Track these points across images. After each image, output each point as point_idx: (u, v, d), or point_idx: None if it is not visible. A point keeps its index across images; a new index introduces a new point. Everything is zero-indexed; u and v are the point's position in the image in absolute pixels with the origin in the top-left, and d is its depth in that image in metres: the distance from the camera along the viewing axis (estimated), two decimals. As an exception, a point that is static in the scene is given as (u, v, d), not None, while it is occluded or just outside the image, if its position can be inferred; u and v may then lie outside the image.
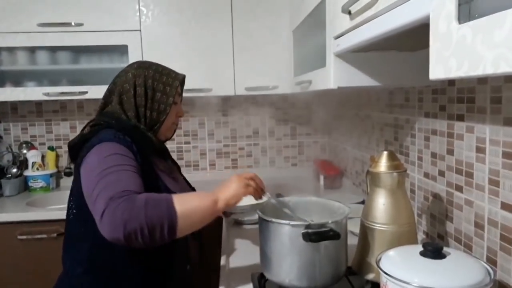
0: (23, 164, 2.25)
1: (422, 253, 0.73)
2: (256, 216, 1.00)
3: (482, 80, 0.93)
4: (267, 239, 0.95)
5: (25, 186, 2.22)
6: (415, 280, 0.66)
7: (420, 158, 1.26)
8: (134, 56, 1.94)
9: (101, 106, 1.12)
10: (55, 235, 1.77)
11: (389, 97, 1.50)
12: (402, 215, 0.95)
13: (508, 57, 0.41)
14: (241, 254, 1.26)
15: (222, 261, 1.20)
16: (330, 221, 0.90)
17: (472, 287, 0.64)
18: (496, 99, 0.89)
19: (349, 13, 0.91)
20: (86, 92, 1.98)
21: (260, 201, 1.02)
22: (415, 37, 0.82)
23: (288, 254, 0.91)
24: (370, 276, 0.96)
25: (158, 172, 1.07)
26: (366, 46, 0.96)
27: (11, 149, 2.26)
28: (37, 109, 2.34)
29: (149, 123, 1.10)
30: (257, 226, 1.02)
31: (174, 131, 1.21)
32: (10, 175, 2.16)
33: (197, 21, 2.01)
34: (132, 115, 1.07)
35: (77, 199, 1.00)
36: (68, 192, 1.06)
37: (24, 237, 1.79)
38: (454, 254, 0.73)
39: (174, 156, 2.35)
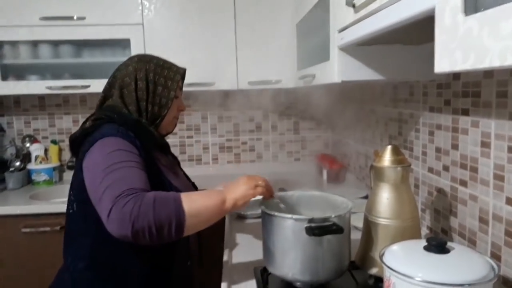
0: (26, 157, 2.26)
1: (426, 248, 0.72)
2: (259, 210, 1.00)
3: (488, 74, 0.93)
4: (270, 233, 0.95)
5: (28, 180, 2.23)
6: (419, 274, 0.66)
7: (424, 153, 1.25)
8: (136, 50, 1.93)
9: (101, 99, 1.11)
10: (58, 228, 1.78)
11: (393, 91, 1.49)
12: (405, 209, 0.94)
13: (515, 50, 0.40)
14: (243, 248, 1.26)
15: (225, 255, 1.20)
16: (333, 215, 0.90)
17: (476, 282, 0.64)
18: (502, 93, 0.88)
19: (353, 6, 0.90)
20: (89, 86, 1.98)
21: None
22: (420, 30, 0.81)
23: (291, 248, 0.91)
24: (373, 271, 0.95)
25: (161, 167, 1.07)
26: (371, 40, 0.95)
27: (14, 143, 2.26)
28: (40, 103, 2.34)
29: (150, 117, 1.09)
30: (260, 220, 1.02)
31: (175, 125, 1.20)
32: (13, 169, 2.16)
33: (200, 15, 2.00)
34: (133, 109, 1.07)
35: (78, 194, 0.99)
36: (71, 185, 1.06)
37: (28, 230, 1.81)
38: (458, 249, 0.73)
39: (176, 150, 2.39)
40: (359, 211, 1.15)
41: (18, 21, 1.92)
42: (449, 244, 0.73)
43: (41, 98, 2.33)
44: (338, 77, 1.11)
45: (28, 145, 2.29)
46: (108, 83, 1.11)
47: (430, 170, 1.21)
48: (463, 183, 1.03)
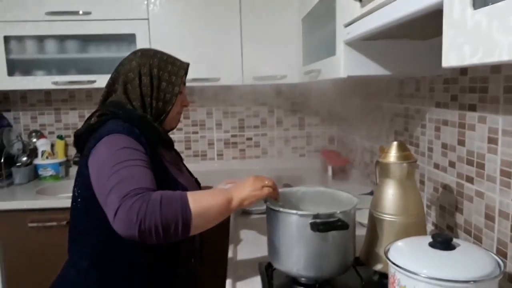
0: (33, 152, 2.28)
1: (431, 244, 0.72)
2: (263, 206, 1.00)
3: (496, 69, 0.92)
4: (275, 229, 0.95)
5: (35, 175, 2.25)
6: (424, 271, 0.65)
7: (430, 149, 1.24)
8: (142, 45, 1.93)
9: (104, 95, 1.09)
10: (64, 223, 1.80)
11: (399, 86, 1.48)
12: (411, 206, 0.94)
13: (525, 44, 0.40)
14: (248, 244, 1.26)
15: (230, 250, 1.21)
16: (338, 211, 0.90)
17: (481, 279, 0.63)
18: (509, 88, 0.87)
19: (360, 0, 0.89)
20: (95, 81, 1.99)
21: None
22: (428, 24, 0.81)
23: (296, 244, 0.91)
24: (378, 267, 0.95)
25: (166, 163, 1.07)
26: (377, 34, 0.94)
27: (21, 138, 2.28)
28: (46, 98, 2.35)
29: (155, 113, 1.08)
30: (264, 215, 1.02)
31: (178, 121, 1.19)
32: (20, 164, 2.18)
33: (205, 10, 1.99)
34: (138, 105, 1.06)
35: (83, 191, 0.99)
36: (78, 180, 1.06)
37: (35, 224, 1.82)
38: (463, 246, 0.73)
39: (182, 146, 2.39)
40: (364, 207, 1.15)
41: (24, 16, 1.93)
42: (455, 240, 0.73)
43: (48, 93, 2.34)
44: (344, 72, 1.11)
45: (34, 140, 2.31)
46: (111, 78, 1.10)
47: (436, 166, 1.20)
48: (469, 180, 1.03)
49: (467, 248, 0.73)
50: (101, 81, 1.95)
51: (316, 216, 0.88)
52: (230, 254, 1.18)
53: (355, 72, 1.10)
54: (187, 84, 1.99)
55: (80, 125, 1.06)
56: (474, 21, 0.48)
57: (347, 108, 2.21)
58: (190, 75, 1.95)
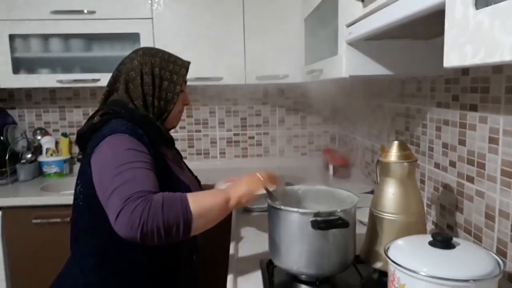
0: (37, 150, 2.29)
1: (431, 243, 0.72)
2: (265, 204, 1.01)
3: (497, 69, 0.92)
4: (276, 226, 0.96)
5: (39, 172, 2.26)
6: (424, 269, 0.65)
7: (431, 149, 1.25)
8: (145, 44, 1.94)
9: (105, 93, 1.10)
10: (68, 219, 1.80)
11: (401, 86, 1.48)
12: (411, 205, 0.94)
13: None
14: (249, 241, 1.27)
15: (231, 248, 1.21)
16: (339, 210, 0.90)
17: (481, 278, 0.63)
18: (511, 88, 0.87)
19: (362, 0, 0.90)
20: (99, 80, 2.00)
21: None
22: (430, 24, 0.81)
23: (297, 242, 0.92)
24: (378, 265, 0.96)
25: (169, 162, 1.07)
26: (379, 34, 0.95)
27: (26, 135, 2.30)
28: (51, 96, 2.37)
29: (157, 112, 1.09)
30: (266, 213, 1.03)
31: (180, 119, 1.20)
32: (24, 161, 2.20)
33: (209, 9, 2.00)
34: (140, 104, 1.06)
35: (85, 189, 0.99)
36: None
37: (39, 221, 1.84)
38: (463, 245, 0.73)
39: (185, 144, 2.41)
40: (365, 206, 1.16)
41: (29, 14, 1.94)
42: (455, 239, 0.73)
43: (52, 91, 2.36)
44: (346, 72, 1.11)
45: (39, 137, 2.32)
46: (112, 77, 1.10)
47: (437, 165, 1.21)
48: (470, 179, 1.03)
49: (467, 247, 0.73)
50: (105, 79, 1.93)
51: (317, 214, 0.89)
52: (231, 251, 1.19)
53: (357, 72, 1.11)
54: (191, 83, 2.01)
55: (84, 123, 1.07)
56: (476, 21, 0.48)
57: (348, 108, 2.22)
58: (193, 74, 1.97)
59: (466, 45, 0.50)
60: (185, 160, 1.29)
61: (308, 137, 2.49)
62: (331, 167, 2.14)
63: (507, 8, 0.43)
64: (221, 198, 0.94)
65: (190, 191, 1.04)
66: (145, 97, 1.07)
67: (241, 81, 2.06)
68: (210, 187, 1.29)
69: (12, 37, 1.98)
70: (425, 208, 1.25)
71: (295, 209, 0.91)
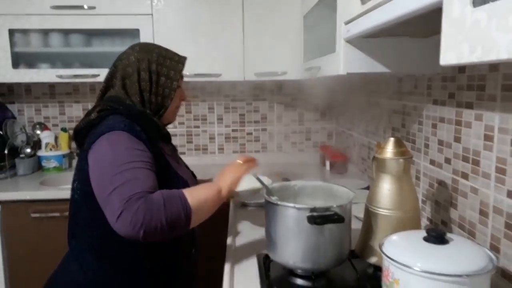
0: (36, 144, 2.30)
1: (426, 239, 0.73)
2: (262, 199, 1.02)
3: (494, 67, 0.92)
4: (273, 221, 0.97)
5: (38, 166, 2.27)
6: (418, 264, 0.66)
7: (426, 145, 1.26)
8: (145, 40, 1.93)
9: (102, 89, 1.10)
10: (67, 213, 1.80)
11: (398, 84, 1.49)
12: (406, 201, 0.95)
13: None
14: (246, 236, 1.28)
15: (228, 242, 1.22)
16: (335, 205, 0.91)
17: (474, 273, 0.64)
18: (507, 86, 0.88)
19: (360, -2, 0.90)
20: (98, 75, 2.00)
21: (259, 186, 1.08)
22: (428, 22, 0.81)
23: (293, 237, 0.93)
24: (373, 260, 0.97)
25: (167, 158, 1.08)
26: (377, 32, 0.95)
27: (25, 130, 2.30)
28: (51, 91, 2.37)
29: (154, 108, 1.09)
30: (263, 208, 1.04)
31: (176, 115, 1.20)
32: (24, 155, 2.20)
33: (208, 6, 2.00)
34: (137, 100, 1.06)
35: (83, 185, 0.99)
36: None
37: (37, 215, 1.84)
38: (457, 240, 0.73)
39: (184, 139, 2.42)
40: (361, 202, 1.16)
41: (29, 9, 1.94)
42: (449, 235, 0.74)
43: (52, 86, 2.36)
44: (343, 69, 1.12)
45: (38, 132, 2.33)
46: (109, 73, 1.10)
47: (432, 162, 1.22)
48: (465, 176, 1.04)
49: (460, 243, 0.73)
50: (105, 75, 1.97)
51: (313, 210, 0.90)
52: (228, 246, 1.20)
53: (354, 70, 1.11)
54: (190, 79, 2.02)
55: (81, 119, 1.07)
56: (473, 19, 0.48)
57: (346, 105, 2.23)
58: (193, 70, 1.98)
59: (463, 43, 0.50)
60: (184, 156, 1.30)
61: (306, 133, 2.50)
62: (328, 163, 2.15)
63: (504, 6, 0.43)
64: (214, 189, 0.98)
65: (188, 185, 1.05)
66: (142, 93, 1.07)
67: (240, 78, 2.07)
68: (207, 181, 1.30)
69: (12, 32, 1.98)
70: (420, 204, 1.27)
71: (292, 205, 0.93)
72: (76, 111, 2.39)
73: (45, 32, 2.04)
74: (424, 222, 1.26)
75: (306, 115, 2.49)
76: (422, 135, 1.29)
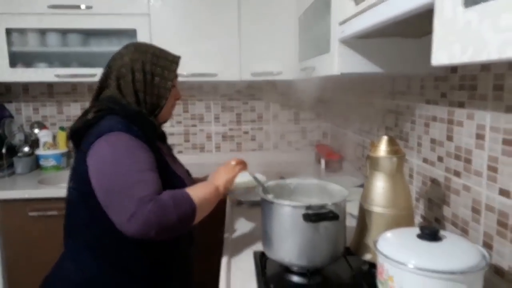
0: (34, 143, 2.30)
1: (419, 236, 0.74)
2: (258, 197, 1.04)
3: (485, 67, 0.94)
4: (269, 219, 0.98)
5: (36, 165, 2.27)
6: (411, 261, 0.67)
7: (419, 144, 1.27)
8: (142, 40, 1.94)
9: (97, 90, 1.09)
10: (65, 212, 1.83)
11: (391, 84, 1.50)
12: (400, 198, 0.96)
13: (514, 43, 0.40)
14: (243, 234, 1.29)
15: (225, 240, 1.23)
16: (330, 203, 0.93)
17: (467, 270, 0.65)
18: (498, 86, 0.89)
19: (354, -1, 0.91)
20: (96, 75, 2.00)
21: (254, 183, 1.12)
22: (421, 23, 0.81)
23: (289, 234, 0.94)
24: (368, 257, 0.98)
25: (166, 157, 1.09)
26: (371, 32, 0.96)
27: (23, 129, 2.30)
28: (48, 90, 2.37)
29: (149, 107, 1.09)
30: (259, 206, 1.05)
31: (171, 114, 1.20)
32: (21, 154, 2.20)
33: (205, 6, 2.01)
34: (132, 100, 1.06)
35: (80, 185, 0.99)
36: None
37: (35, 213, 1.85)
38: (450, 238, 0.74)
39: (181, 138, 2.43)
40: (355, 199, 1.18)
41: (26, 8, 1.94)
42: (442, 232, 0.74)
43: (50, 85, 2.36)
44: (338, 70, 1.13)
45: (36, 131, 2.32)
46: (103, 74, 1.09)
47: (425, 160, 1.23)
48: (457, 174, 1.06)
49: (453, 240, 0.74)
50: (102, 74, 1.98)
51: (308, 207, 0.91)
52: (225, 244, 1.21)
53: (348, 70, 1.12)
54: (186, 79, 2.03)
55: (77, 119, 1.07)
56: (465, 20, 0.48)
57: (340, 104, 2.24)
58: (189, 70, 1.98)
59: (455, 43, 0.51)
60: (181, 154, 1.31)
61: (301, 132, 2.52)
62: (323, 162, 2.17)
63: (496, 7, 0.43)
64: (212, 188, 1.03)
65: (185, 184, 1.07)
66: (137, 93, 1.06)
67: (236, 78, 2.08)
68: (202, 179, 1.32)
69: (9, 31, 1.98)
70: (414, 201, 1.28)
71: (287, 202, 0.94)
72: (74, 110, 2.39)
73: (43, 32, 2.04)
74: (418, 219, 1.27)
75: (301, 115, 2.51)
76: (415, 134, 1.30)
